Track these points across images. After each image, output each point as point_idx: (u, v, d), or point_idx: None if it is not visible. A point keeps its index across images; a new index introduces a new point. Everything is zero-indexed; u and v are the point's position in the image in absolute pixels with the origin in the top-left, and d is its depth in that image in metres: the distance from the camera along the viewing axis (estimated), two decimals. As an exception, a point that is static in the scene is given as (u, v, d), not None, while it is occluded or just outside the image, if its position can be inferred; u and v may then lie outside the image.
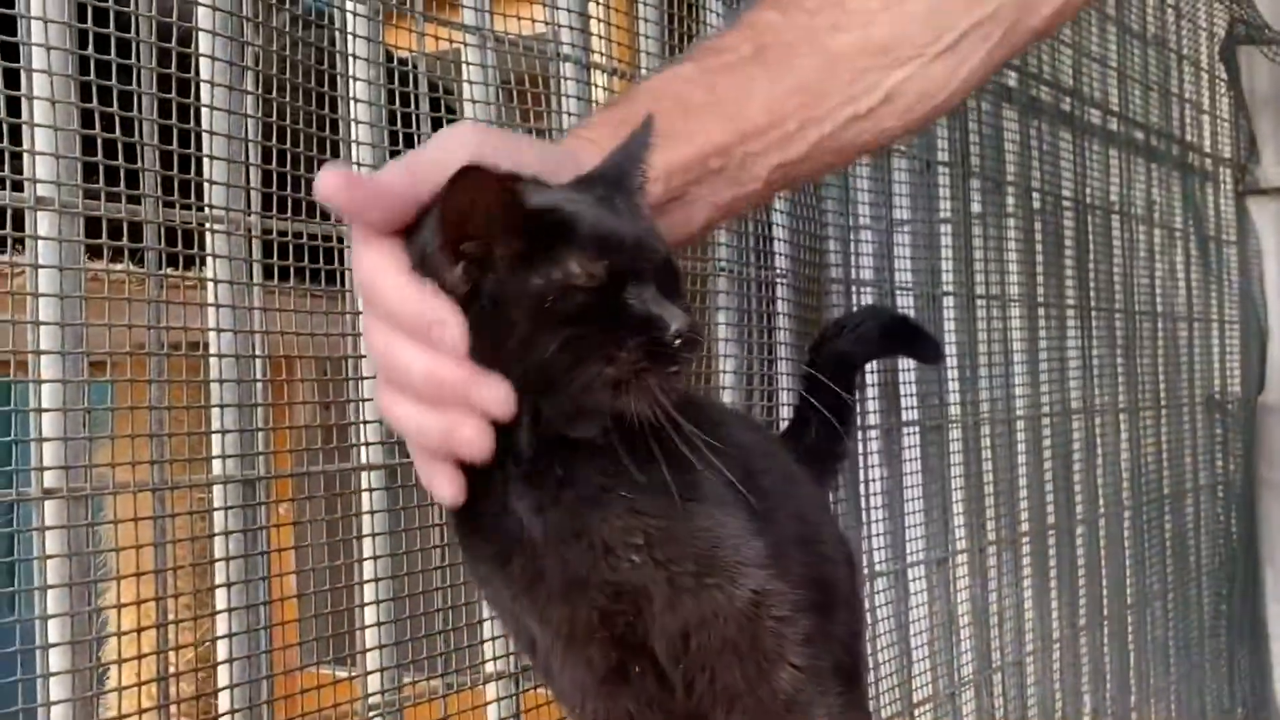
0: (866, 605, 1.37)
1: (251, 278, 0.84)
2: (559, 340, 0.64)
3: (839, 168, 1.29)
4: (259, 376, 0.83)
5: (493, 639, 1.01)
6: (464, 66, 1.00)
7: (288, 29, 0.88)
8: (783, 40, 0.82)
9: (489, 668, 1.00)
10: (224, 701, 0.84)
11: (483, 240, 0.64)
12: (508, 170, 0.67)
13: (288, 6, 0.90)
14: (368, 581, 0.92)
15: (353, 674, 0.92)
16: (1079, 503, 1.92)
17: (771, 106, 0.80)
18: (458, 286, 0.64)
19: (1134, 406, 2.12)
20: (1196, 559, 2.37)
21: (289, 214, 0.85)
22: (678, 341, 0.64)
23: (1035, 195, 1.86)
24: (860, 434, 1.43)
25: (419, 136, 0.95)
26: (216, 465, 0.83)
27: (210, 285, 0.82)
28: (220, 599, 0.84)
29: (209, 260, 0.83)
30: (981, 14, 0.85)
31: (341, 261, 0.89)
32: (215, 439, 0.83)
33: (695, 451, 0.68)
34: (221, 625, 0.84)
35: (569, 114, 1.10)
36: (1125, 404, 2.10)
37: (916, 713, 1.48)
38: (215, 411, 0.83)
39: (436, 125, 0.95)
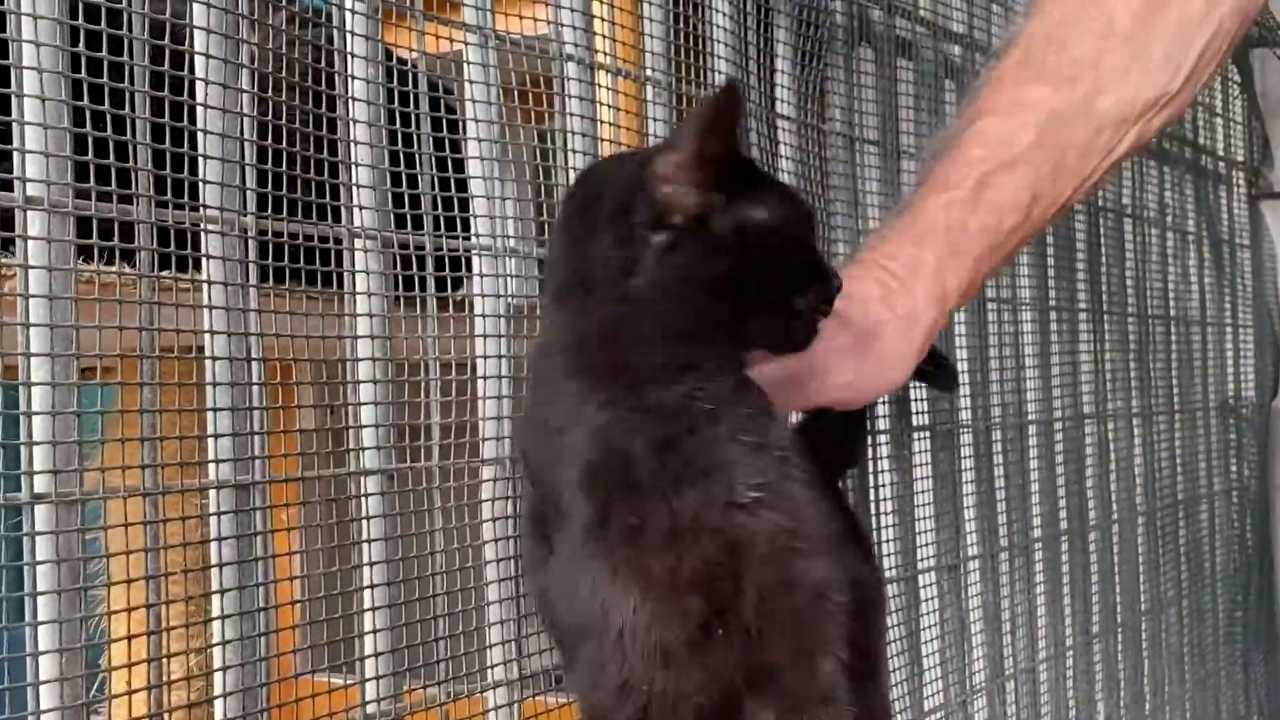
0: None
1: (248, 279, 0.83)
2: (767, 266, 0.71)
3: None
4: (255, 380, 0.81)
5: (502, 643, 0.99)
6: (465, 66, 0.98)
7: (285, 27, 0.86)
8: (1055, 119, 0.85)
9: (490, 675, 0.99)
10: (219, 710, 0.82)
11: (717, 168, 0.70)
12: None
13: (285, 5, 0.89)
14: (367, 588, 0.90)
15: (349, 681, 0.90)
16: (1092, 509, 1.90)
17: (1038, 194, 0.86)
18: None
19: (1147, 411, 2.10)
20: (1211, 565, 2.34)
21: (286, 215, 0.83)
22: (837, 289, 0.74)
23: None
24: (870, 439, 1.41)
25: (419, 137, 0.93)
26: (211, 470, 0.81)
27: (206, 287, 0.81)
28: (215, 605, 0.82)
29: (204, 262, 0.81)
30: (1210, 32, 0.86)
31: (339, 263, 0.87)
32: (210, 443, 0.82)
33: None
34: (217, 632, 0.83)
35: (573, 114, 1.08)
36: (1139, 409, 2.07)
37: (927, 721, 1.46)
38: (210, 415, 0.81)
39: (436, 126, 0.94)
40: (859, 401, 0.83)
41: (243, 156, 0.81)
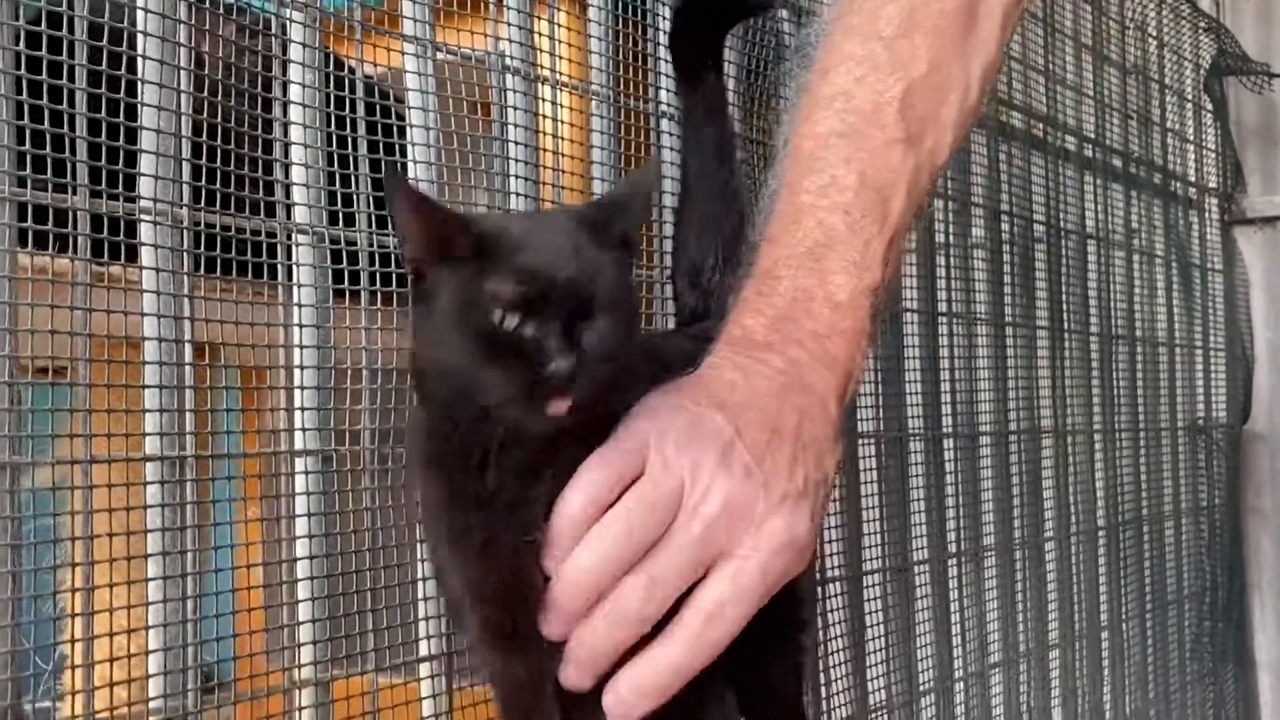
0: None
1: (184, 269, 0.88)
2: (461, 351, 0.71)
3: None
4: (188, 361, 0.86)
5: (431, 635, 1.03)
6: (405, 77, 1.03)
7: (226, 33, 0.91)
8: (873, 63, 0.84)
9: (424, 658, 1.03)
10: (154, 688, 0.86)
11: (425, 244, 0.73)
12: None
13: (230, 15, 0.94)
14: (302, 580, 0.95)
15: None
16: (1050, 521, 1.93)
17: (906, 154, 0.82)
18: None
19: (1109, 429, 2.13)
20: (1178, 583, 2.37)
21: (220, 209, 0.89)
22: (552, 377, 0.69)
23: (1004, 218, 1.88)
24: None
25: (354, 140, 0.98)
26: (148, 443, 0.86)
27: (141, 275, 0.86)
28: (154, 591, 0.87)
29: (140, 251, 0.86)
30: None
31: (273, 256, 0.92)
32: (149, 418, 0.86)
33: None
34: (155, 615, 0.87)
35: (516, 125, 1.13)
36: (1100, 426, 2.11)
37: (871, 718, 1.49)
38: (147, 394, 0.86)
39: (371, 129, 0.99)
40: None
41: (179, 151, 0.86)
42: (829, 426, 0.78)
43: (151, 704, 0.83)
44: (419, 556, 1.03)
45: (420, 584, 1.03)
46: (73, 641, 0.83)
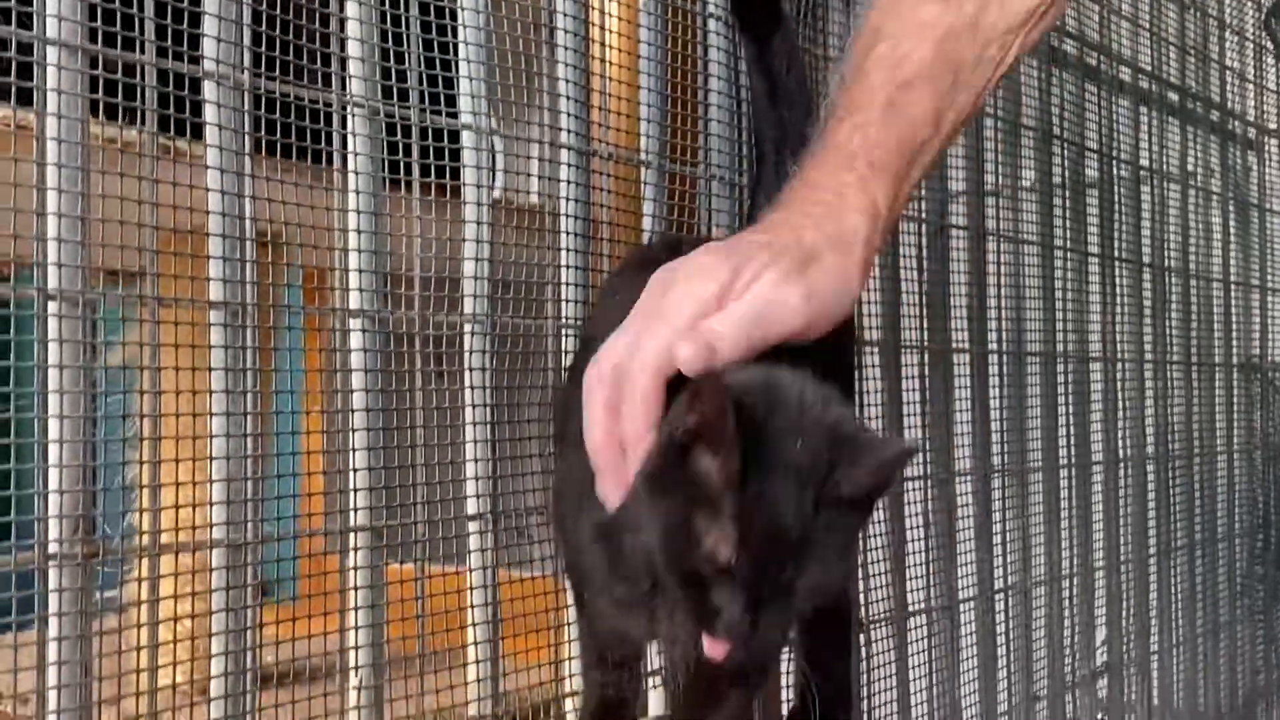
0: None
1: (245, 148, 0.92)
2: (654, 567, 0.72)
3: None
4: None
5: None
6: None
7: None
8: (949, 37, 0.89)
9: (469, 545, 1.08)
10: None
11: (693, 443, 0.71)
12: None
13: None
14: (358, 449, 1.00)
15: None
16: (1096, 444, 1.94)
17: (942, 108, 0.89)
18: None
19: (1160, 359, 2.14)
20: (1229, 519, 2.37)
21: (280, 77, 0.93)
22: (710, 640, 0.70)
23: (1055, 143, 1.89)
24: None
25: (407, 19, 1.02)
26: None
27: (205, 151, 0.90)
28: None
29: (205, 129, 0.91)
30: None
31: (329, 139, 0.97)
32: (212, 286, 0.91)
33: None
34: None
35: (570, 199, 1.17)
36: (1151, 357, 2.11)
37: (911, 620, 1.52)
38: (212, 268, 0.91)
39: (424, 10, 1.03)
40: (815, 329, 0.80)
41: (240, 16, 0.90)
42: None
43: (215, 531, 0.88)
44: (467, 438, 1.07)
45: (470, 464, 1.08)
46: (140, 463, 0.89)
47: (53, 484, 0.82)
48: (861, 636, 1.45)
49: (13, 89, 0.81)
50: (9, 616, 0.81)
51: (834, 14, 1.50)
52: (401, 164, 1.02)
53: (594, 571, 0.83)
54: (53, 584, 0.81)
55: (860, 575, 1.46)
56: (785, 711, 1.15)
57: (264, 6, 0.92)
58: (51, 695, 0.82)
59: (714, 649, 0.71)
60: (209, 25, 0.89)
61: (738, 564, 0.69)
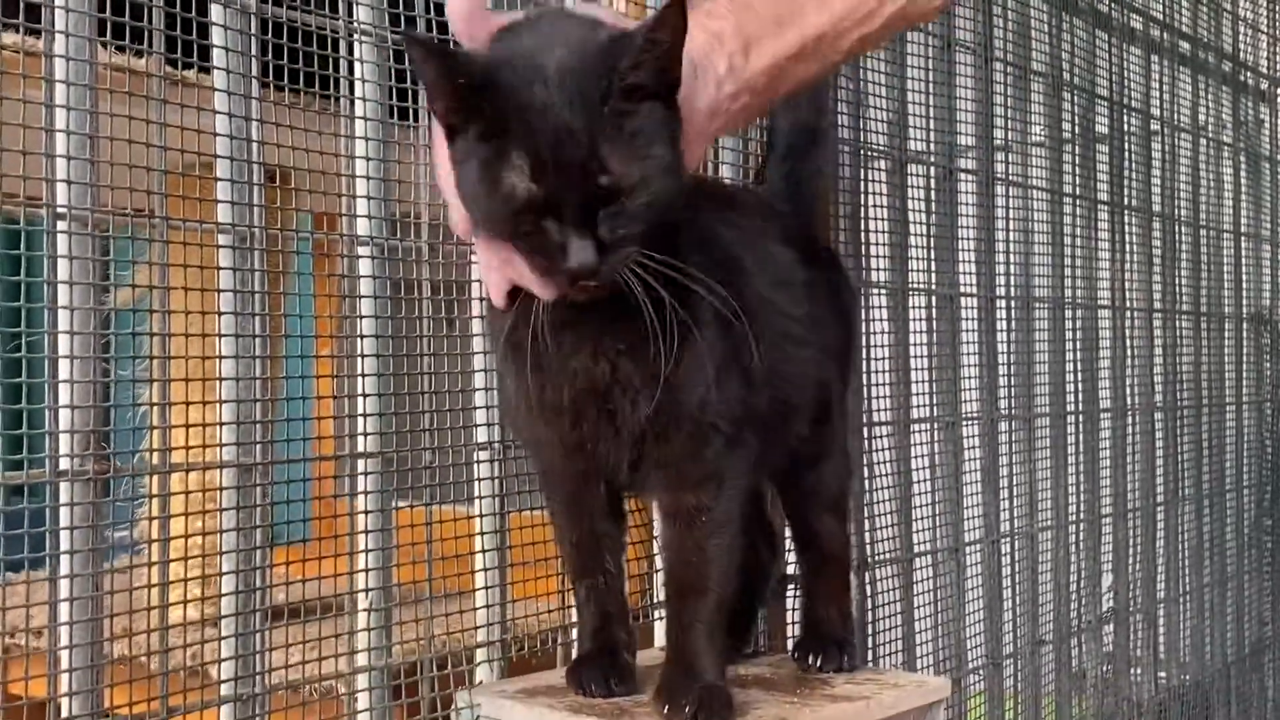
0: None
1: (251, 73, 0.93)
2: (492, 228, 0.80)
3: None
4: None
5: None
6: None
7: None
8: None
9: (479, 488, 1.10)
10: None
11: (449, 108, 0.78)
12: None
13: None
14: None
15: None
16: (1105, 393, 1.95)
17: None
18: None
19: (1169, 309, 2.14)
20: (1237, 470, 2.38)
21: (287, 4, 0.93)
22: (569, 274, 0.77)
23: (1066, 90, 1.88)
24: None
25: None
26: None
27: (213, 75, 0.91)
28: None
29: (212, 54, 0.91)
30: None
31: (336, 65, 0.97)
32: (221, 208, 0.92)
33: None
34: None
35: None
36: (1161, 306, 2.12)
37: (917, 562, 1.53)
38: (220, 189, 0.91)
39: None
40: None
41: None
42: None
43: (225, 452, 0.89)
44: (476, 367, 1.09)
45: (480, 393, 1.09)
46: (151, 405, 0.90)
47: (64, 399, 0.83)
48: (866, 576, 1.46)
49: (20, 15, 0.81)
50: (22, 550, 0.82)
51: None
52: (410, 92, 1.02)
53: (516, 394, 0.90)
54: (64, 498, 0.82)
55: (865, 516, 1.47)
56: (790, 645, 1.17)
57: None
58: (64, 630, 0.83)
59: (572, 279, 0.77)
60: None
61: (546, 189, 0.75)
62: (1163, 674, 2.09)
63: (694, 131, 0.85)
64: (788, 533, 1.20)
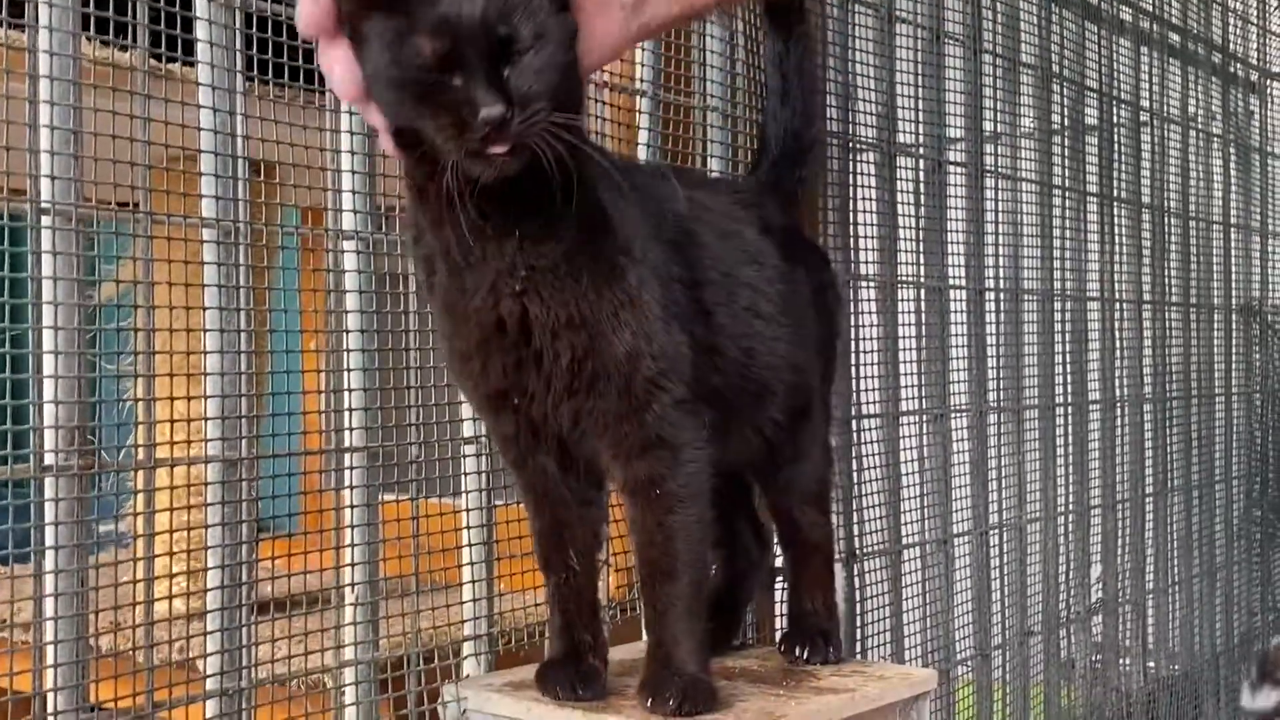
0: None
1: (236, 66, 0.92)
2: (399, 103, 0.77)
3: None
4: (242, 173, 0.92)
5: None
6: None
7: None
8: None
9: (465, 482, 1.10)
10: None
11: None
12: None
13: None
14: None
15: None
16: (1094, 384, 1.95)
17: None
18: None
19: (1159, 300, 2.14)
20: (1226, 461, 2.38)
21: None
22: (485, 127, 0.75)
23: (1055, 82, 1.88)
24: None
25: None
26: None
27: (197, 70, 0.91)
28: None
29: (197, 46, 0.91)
30: None
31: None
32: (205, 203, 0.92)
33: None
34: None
35: None
36: (1150, 297, 2.12)
37: (905, 554, 1.54)
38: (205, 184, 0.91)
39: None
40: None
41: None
42: None
43: (210, 447, 0.89)
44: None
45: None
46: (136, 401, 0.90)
47: (49, 395, 0.83)
48: (855, 568, 1.46)
49: (3, 9, 0.81)
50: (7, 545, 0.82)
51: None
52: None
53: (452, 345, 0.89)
54: (49, 494, 0.82)
55: (854, 509, 1.47)
56: (777, 638, 1.17)
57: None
58: (49, 625, 0.83)
59: (484, 137, 0.75)
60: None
61: (451, 44, 0.75)
62: (1151, 664, 2.10)
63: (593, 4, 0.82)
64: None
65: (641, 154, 1.26)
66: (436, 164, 0.78)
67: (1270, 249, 2.59)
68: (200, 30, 0.90)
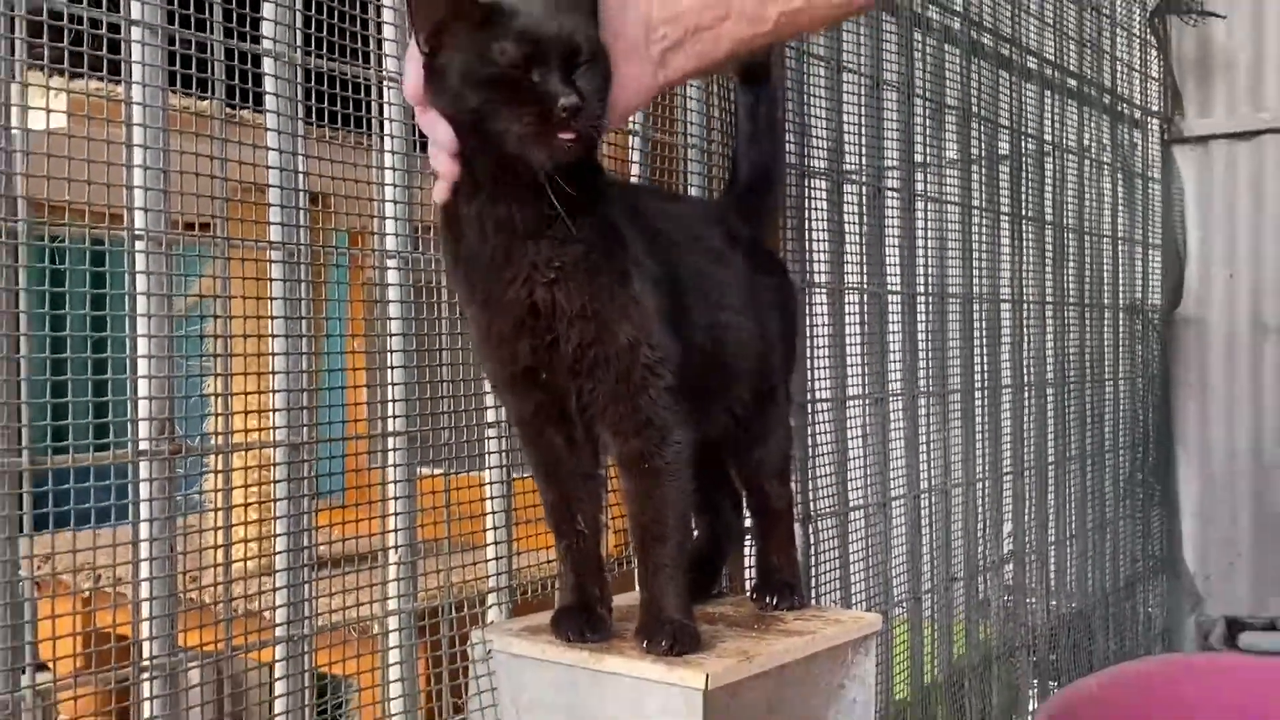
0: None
1: (298, 115, 0.92)
2: (480, 98, 0.77)
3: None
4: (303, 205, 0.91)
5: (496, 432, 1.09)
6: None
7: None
8: None
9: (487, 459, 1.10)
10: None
11: (440, 22, 0.78)
12: None
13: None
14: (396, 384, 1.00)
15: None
16: (1006, 371, 1.96)
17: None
18: (420, 52, 0.79)
19: (1059, 301, 2.15)
20: (1114, 435, 2.40)
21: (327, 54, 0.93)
22: (563, 111, 0.76)
23: (974, 120, 1.89)
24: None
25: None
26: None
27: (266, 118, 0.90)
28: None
29: (266, 98, 0.90)
30: None
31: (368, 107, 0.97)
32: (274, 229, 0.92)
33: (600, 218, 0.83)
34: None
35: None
36: (1052, 298, 2.13)
37: (851, 515, 1.54)
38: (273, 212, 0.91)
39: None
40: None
41: (294, 2, 0.90)
42: None
43: (277, 433, 0.89)
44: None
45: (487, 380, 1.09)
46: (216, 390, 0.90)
47: (141, 392, 0.82)
48: (810, 528, 1.47)
49: (104, 66, 0.81)
50: (109, 512, 0.82)
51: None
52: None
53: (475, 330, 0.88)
54: (143, 474, 0.82)
55: (809, 478, 1.48)
56: (748, 588, 1.18)
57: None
58: (145, 581, 0.83)
59: (560, 123, 0.76)
60: (267, 9, 0.89)
61: (535, 47, 0.76)
62: (1054, 603, 2.11)
63: (627, 46, 0.82)
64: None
65: (634, 182, 1.26)
66: (497, 163, 0.79)
67: (1150, 258, 2.61)
68: (267, 83, 0.90)
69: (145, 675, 0.82)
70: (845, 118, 1.57)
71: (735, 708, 0.91)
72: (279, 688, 0.91)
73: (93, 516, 0.81)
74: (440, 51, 0.78)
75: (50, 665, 0.84)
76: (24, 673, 0.77)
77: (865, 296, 1.60)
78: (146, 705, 0.83)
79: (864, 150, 1.61)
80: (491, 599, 1.10)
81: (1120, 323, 2.44)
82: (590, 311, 0.84)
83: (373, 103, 0.98)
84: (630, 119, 1.25)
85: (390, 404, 1.00)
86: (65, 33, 0.76)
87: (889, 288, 1.65)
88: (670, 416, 0.90)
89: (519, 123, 0.76)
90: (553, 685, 0.94)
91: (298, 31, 0.91)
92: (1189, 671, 2.01)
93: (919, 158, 1.74)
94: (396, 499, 1.01)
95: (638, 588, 0.97)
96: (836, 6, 0.90)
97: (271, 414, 0.91)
